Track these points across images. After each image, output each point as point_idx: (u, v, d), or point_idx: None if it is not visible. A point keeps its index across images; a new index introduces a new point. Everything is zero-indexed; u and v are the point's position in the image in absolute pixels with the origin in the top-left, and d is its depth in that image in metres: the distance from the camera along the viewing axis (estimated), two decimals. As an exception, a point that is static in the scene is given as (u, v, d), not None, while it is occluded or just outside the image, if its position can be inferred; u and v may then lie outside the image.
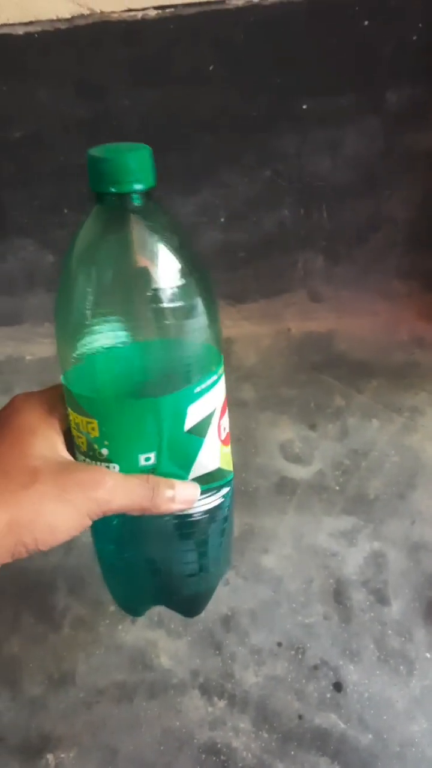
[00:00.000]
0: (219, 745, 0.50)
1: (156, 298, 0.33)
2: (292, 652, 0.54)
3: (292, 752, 0.50)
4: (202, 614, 0.56)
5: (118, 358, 0.36)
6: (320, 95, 0.59)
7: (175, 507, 0.38)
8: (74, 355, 0.35)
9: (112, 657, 0.55)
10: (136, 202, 0.32)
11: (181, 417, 0.37)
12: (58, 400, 0.38)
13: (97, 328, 0.34)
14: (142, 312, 0.34)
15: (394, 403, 0.69)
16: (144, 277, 0.33)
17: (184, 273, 0.34)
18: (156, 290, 0.33)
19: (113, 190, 0.32)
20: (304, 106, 0.59)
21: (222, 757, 0.50)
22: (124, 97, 0.59)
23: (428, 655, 0.54)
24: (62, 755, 0.50)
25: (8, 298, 0.73)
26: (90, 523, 0.34)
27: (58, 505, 0.33)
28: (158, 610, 0.57)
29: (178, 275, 0.33)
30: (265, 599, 0.57)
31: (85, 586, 0.59)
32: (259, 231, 0.68)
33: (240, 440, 0.67)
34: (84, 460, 0.38)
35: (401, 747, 0.49)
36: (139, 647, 0.55)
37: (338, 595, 0.57)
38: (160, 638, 0.55)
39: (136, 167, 0.32)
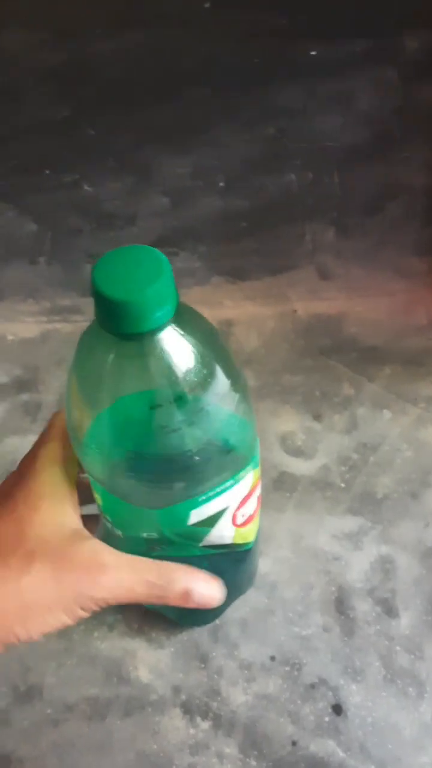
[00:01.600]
0: (200, 774, 0.44)
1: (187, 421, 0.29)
2: (287, 668, 0.48)
3: (283, 784, 0.44)
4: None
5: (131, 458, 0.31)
6: (330, 41, 0.52)
7: (192, 605, 0.34)
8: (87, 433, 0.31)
9: (85, 668, 0.49)
10: (161, 332, 0.26)
11: (184, 518, 0.34)
12: (66, 447, 0.35)
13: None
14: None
15: (409, 393, 0.62)
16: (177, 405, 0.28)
17: (219, 389, 0.29)
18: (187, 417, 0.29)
19: (136, 332, 0.26)
20: (313, 53, 0.52)
21: (203, 788, 0.44)
22: (104, 43, 0.52)
23: (441, 676, 0.47)
24: (23, 779, 0.45)
25: (-15, 270, 0.67)
26: (86, 615, 0.32)
27: (51, 598, 0.31)
28: (138, 618, 0.51)
29: (212, 396, 0.29)
30: (258, 607, 0.51)
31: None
32: (263, 198, 0.62)
33: (237, 430, 0.60)
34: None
35: (408, 782, 0.43)
36: (115, 658, 0.49)
37: (340, 604, 0.50)
38: (139, 648, 0.50)
39: (160, 300, 0.25)
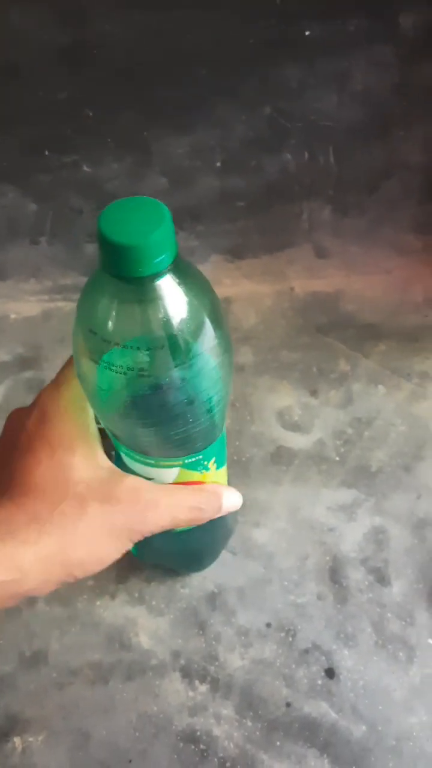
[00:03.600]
0: (199, 733, 0.46)
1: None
2: (282, 634, 0.50)
3: (278, 743, 0.46)
4: (186, 590, 0.52)
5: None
6: (326, 20, 0.52)
7: (221, 514, 0.38)
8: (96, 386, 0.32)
9: (88, 635, 0.51)
10: (159, 278, 0.28)
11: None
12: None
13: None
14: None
15: (403, 369, 0.63)
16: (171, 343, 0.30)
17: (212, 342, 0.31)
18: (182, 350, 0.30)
19: (136, 275, 0.27)
20: (308, 32, 0.52)
21: (201, 746, 0.46)
22: (107, 23, 0.53)
23: (430, 641, 0.49)
24: (30, 739, 0.47)
25: (-11, 250, 0.68)
26: (131, 546, 0.34)
27: (106, 539, 0.33)
28: (139, 587, 0.53)
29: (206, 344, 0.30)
30: (255, 576, 0.52)
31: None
32: (260, 177, 0.62)
33: (235, 406, 0.62)
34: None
35: (397, 741, 0.45)
36: (117, 625, 0.51)
37: (334, 573, 0.52)
38: (140, 615, 0.51)
39: (162, 247, 0.27)
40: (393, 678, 0.48)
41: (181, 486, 0.36)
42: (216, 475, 0.39)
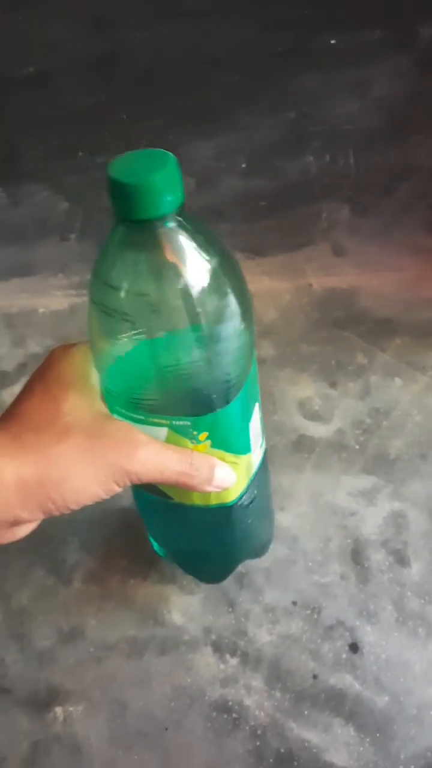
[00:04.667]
0: (230, 703, 0.49)
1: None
2: (308, 612, 0.52)
3: (306, 712, 0.48)
4: (216, 571, 0.55)
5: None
6: (347, 30, 0.55)
7: (210, 489, 0.37)
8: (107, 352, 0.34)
9: (123, 612, 0.54)
10: (167, 223, 0.29)
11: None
12: None
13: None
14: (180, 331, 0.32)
15: (418, 362, 0.66)
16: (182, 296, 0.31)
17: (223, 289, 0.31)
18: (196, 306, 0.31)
19: (143, 217, 0.28)
20: (332, 41, 0.55)
21: (234, 715, 0.48)
22: (138, 32, 0.56)
23: (448, 618, 0.52)
24: (71, 708, 0.50)
25: (20, 247, 0.71)
26: (118, 489, 0.33)
27: (87, 469, 0.32)
28: (170, 567, 0.55)
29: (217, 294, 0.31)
30: (281, 558, 0.55)
31: (96, 541, 0.57)
32: (282, 178, 0.65)
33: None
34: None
35: (418, 710, 0.48)
36: (150, 603, 0.54)
37: (356, 555, 0.55)
38: (172, 594, 0.54)
39: (166, 187, 0.28)
40: (413, 652, 0.50)
41: (175, 446, 0.35)
42: (213, 453, 0.38)
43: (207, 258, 0.30)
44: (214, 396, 0.35)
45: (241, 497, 0.42)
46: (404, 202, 0.67)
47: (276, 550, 0.55)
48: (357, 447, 0.61)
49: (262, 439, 0.42)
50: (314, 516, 0.57)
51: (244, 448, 0.39)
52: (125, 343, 0.32)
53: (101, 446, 0.32)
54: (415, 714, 0.48)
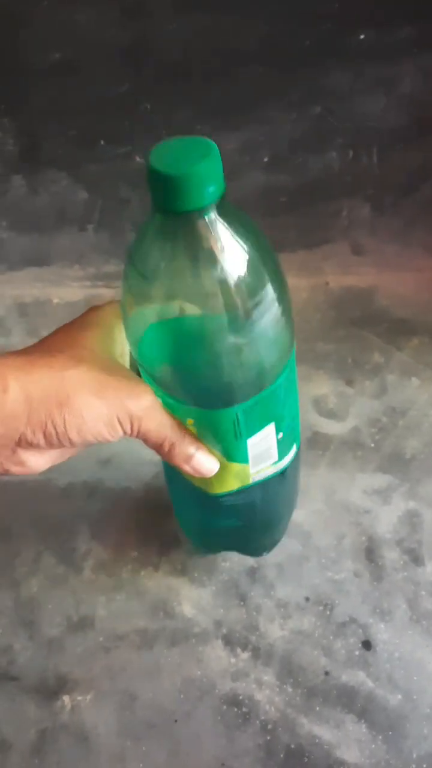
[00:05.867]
0: (241, 697, 0.48)
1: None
2: (320, 608, 0.52)
3: (317, 708, 0.48)
4: (227, 564, 0.54)
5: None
6: (378, 26, 0.55)
7: (186, 468, 0.37)
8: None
9: (133, 603, 0.53)
10: (207, 214, 0.29)
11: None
12: None
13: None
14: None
15: (435, 363, 0.66)
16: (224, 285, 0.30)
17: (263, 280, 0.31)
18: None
19: (186, 209, 0.28)
20: (361, 37, 0.55)
21: (244, 709, 0.48)
22: (168, 23, 0.56)
23: (463, 618, 0.51)
24: (79, 698, 0.49)
25: (37, 235, 0.70)
26: (119, 432, 0.33)
27: (92, 398, 0.32)
28: (181, 559, 0.55)
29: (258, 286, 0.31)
30: (294, 553, 0.55)
31: (107, 530, 0.57)
32: (304, 174, 0.65)
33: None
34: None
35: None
36: (161, 594, 0.53)
37: (370, 552, 0.54)
38: (183, 586, 0.54)
39: (209, 178, 0.28)
40: (427, 651, 0.50)
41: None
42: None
43: (247, 253, 0.30)
44: (207, 395, 0.34)
45: (227, 495, 0.41)
46: (426, 202, 0.67)
47: (289, 546, 0.55)
48: (372, 445, 0.60)
49: (278, 459, 0.40)
50: (328, 513, 0.57)
51: (234, 457, 0.38)
52: (152, 319, 0.32)
53: (110, 382, 0.32)
54: (428, 713, 0.47)
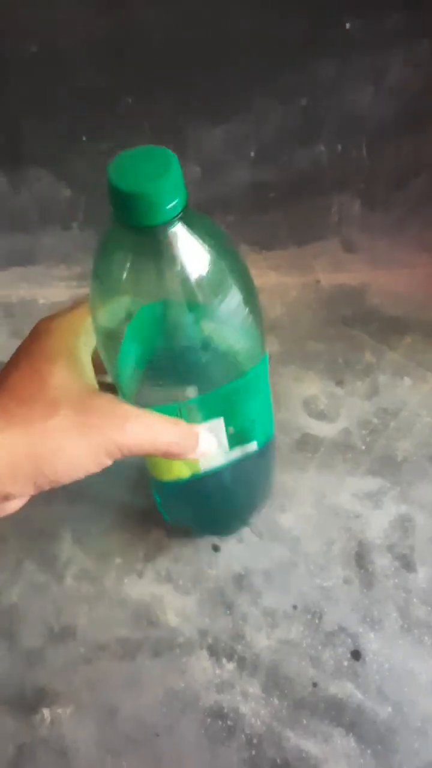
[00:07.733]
0: (226, 710, 0.47)
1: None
2: (308, 616, 0.50)
3: (304, 721, 0.46)
4: (213, 571, 0.53)
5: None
6: (365, 15, 0.53)
7: (194, 456, 0.38)
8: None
9: (116, 612, 0.51)
10: (170, 227, 0.28)
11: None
12: (85, 320, 0.35)
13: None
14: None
15: (429, 362, 0.64)
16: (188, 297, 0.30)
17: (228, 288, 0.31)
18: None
19: (146, 224, 0.27)
20: (348, 25, 0.54)
21: (228, 722, 0.46)
22: (149, 11, 0.54)
23: (456, 626, 0.50)
24: (58, 710, 0.47)
25: (21, 234, 0.69)
26: (109, 462, 0.33)
27: (78, 441, 0.31)
28: (166, 566, 0.53)
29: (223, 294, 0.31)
30: (281, 560, 0.53)
31: (90, 537, 0.55)
32: (292, 169, 0.63)
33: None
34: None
35: (423, 722, 0.46)
36: (144, 602, 0.52)
37: (360, 558, 0.53)
38: (167, 594, 0.52)
39: (169, 194, 0.27)
40: (418, 662, 0.48)
41: (165, 416, 0.35)
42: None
43: (210, 260, 0.30)
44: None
45: (179, 482, 0.43)
46: (418, 197, 0.65)
47: (276, 552, 0.53)
48: (363, 447, 0.59)
49: (228, 449, 0.41)
50: (317, 517, 0.55)
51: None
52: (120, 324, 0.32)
53: (91, 420, 0.32)
54: (419, 726, 0.45)
